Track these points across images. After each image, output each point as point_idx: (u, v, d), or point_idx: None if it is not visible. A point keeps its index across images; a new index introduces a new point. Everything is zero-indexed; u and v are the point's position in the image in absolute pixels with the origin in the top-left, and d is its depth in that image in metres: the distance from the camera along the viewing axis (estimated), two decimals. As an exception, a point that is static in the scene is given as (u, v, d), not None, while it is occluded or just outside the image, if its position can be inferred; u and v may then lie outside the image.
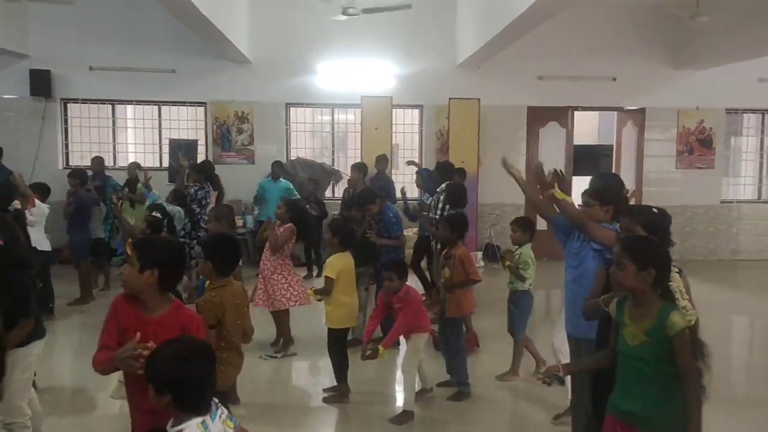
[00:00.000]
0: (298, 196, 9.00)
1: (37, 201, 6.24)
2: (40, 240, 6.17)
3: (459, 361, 4.75)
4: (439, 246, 6.33)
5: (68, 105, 10.27)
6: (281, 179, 9.32)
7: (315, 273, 9.13)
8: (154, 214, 6.01)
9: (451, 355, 4.80)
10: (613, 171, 10.89)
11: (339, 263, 4.67)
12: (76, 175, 7.60)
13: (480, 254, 10.21)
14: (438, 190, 6.81)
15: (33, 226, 5.92)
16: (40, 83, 9.73)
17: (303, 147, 11.07)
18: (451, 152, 9.89)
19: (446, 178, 6.87)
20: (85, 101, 10.24)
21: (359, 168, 8.27)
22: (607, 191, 3.51)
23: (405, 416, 4.37)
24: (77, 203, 7.38)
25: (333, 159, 11.18)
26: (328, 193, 10.70)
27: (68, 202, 7.43)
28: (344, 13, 7.87)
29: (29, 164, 9.67)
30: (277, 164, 9.41)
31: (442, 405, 4.67)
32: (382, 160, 9.03)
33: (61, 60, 9.83)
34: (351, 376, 4.76)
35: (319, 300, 4.69)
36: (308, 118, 11.21)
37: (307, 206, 8.83)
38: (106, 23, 9.84)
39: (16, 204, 5.50)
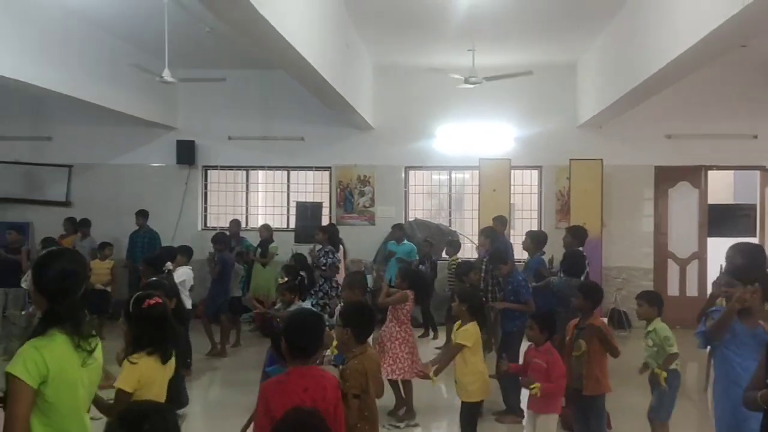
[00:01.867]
0: (417, 258, 9.13)
1: (183, 267, 6.84)
2: (184, 299, 6.69)
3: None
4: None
5: (208, 171, 11.23)
6: (405, 241, 9.48)
7: (431, 335, 9.11)
8: (284, 278, 6.34)
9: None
10: (757, 231, 10.09)
11: (474, 332, 4.57)
12: (220, 239, 8.20)
13: (605, 321, 9.68)
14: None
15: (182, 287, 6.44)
16: (185, 152, 10.74)
17: (421, 209, 11.27)
18: (572, 213, 9.66)
19: (577, 244, 6.66)
20: (222, 167, 11.15)
21: (486, 233, 8.07)
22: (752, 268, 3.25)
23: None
24: (222, 265, 7.95)
25: (450, 220, 11.27)
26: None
27: (214, 264, 7.99)
28: (467, 81, 8.08)
29: (172, 226, 10.59)
30: (397, 227, 9.62)
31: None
32: (500, 222, 8.95)
33: (204, 131, 10.83)
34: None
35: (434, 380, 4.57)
36: (426, 180, 11.45)
37: (421, 266, 8.96)
38: (245, 98, 10.75)
39: (169, 265, 6.04)
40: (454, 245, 9.48)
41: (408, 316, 5.77)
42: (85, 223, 9.83)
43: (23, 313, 7.53)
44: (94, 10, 7.67)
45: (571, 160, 9.89)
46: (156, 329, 3.04)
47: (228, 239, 8.49)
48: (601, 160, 9.84)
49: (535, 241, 6.84)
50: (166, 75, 7.34)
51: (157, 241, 9.83)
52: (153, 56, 8.28)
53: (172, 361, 3.11)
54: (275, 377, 2.79)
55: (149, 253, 8.50)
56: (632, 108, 8.87)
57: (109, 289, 8.69)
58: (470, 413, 4.56)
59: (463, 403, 4.55)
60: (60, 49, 7.45)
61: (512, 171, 10.29)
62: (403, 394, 5.76)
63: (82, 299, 2.42)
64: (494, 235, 7.73)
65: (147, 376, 2.95)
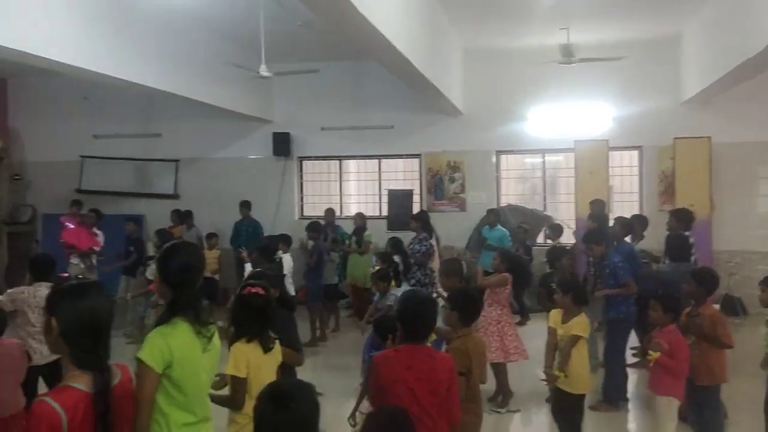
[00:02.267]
0: (510, 243, 8.99)
1: (285, 255, 7.13)
2: (288, 287, 6.99)
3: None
4: None
5: (303, 162, 11.57)
6: (498, 226, 9.34)
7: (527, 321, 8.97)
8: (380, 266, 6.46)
9: (704, 429, 4.33)
10: None
11: (586, 322, 4.43)
12: (315, 228, 8.44)
13: (717, 307, 9.14)
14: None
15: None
16: (281, 144, 11.13)
17: (513, 193, 11.08)
18: (677, 195, 9.17)
19: (683, 228, 6.33)
20: (317, 158, 11.46)
21: (593, 218, 7.72)
22: None
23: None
24: (318, 254, 8.20)
25: (544, 204, 11.01)
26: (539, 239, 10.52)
27: (311, 253, 8.25)
28: (561, 62, 7.84)
29: (271, 216, 11.03)
30: (492, 212, 9.48)
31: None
32: (598, 206, 8.62)
33: (299, 123, 11.16)
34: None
35: (563, 375, 4.31)
36: (518, 164, 11.23)
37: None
38: (336, 89, 10.96)
39: (281, 254, 6.32)
40: (556, 229, 9.21)
41: (507, 299, 5.75)
42: (189, 215, 10.40)
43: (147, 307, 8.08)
44: (196, 10, 8.07)
45: (675, 138, 9.37)
46: (255, 318, 3.16)
47: (322, 228, 8.72)
48: (709, 137, 9.25)
49: (625, 226, 6.55)
50: (263, 70, 7.62)
51: (259, 231, 10.27)
52: (248, 52, 8.62)
53: (278, 349, 3.25)
54: (387, 351, 2.87)
55: (255, 242, 8.89)
56: (744, 82, 8.26)
57: (216, 277, 9.15)
58: (572, 405, 4.39)
59: (567, 394, 4.35)
60: (167, 50, 7.87)
61: (610, 152, 9.88)
62: (496, 378, 5.73)
63: (199, 289, 2.58)
64: (602, 219, 7.40)
65: (254, 362, 3.09)
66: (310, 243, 8.33)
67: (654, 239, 7.27)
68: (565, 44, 8.30)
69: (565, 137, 10.12)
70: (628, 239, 6.64)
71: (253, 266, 6.22)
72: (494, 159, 10.86)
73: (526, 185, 11.44)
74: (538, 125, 10.47)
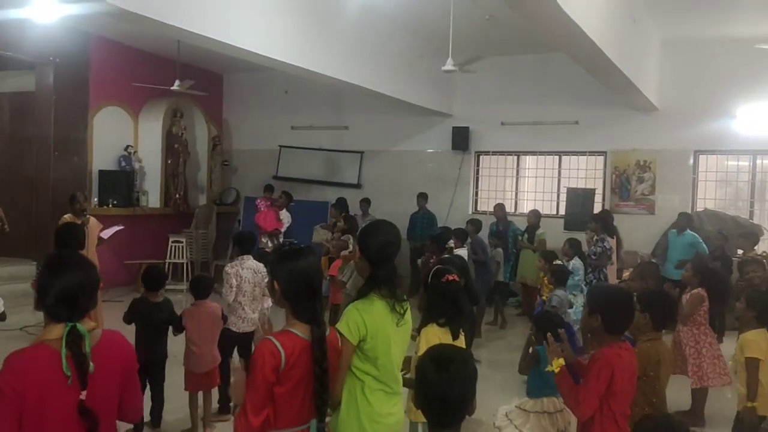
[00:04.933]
0: (706, 250, 8.15)
1: (462, 250, 7.20)
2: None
3: None
4: None
5: (480, 157, 11.56)
6: (687, 232, 8.54)
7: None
8: (555, 262, 6.28)
9: None
10: None
11: (763, 341, 3.97)
12: (472, 222, 8.45)
13: None
14: None
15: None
16: (460, 138, 11.21)
17: (712, 198, 10.03)
18: None
19: None
20: (494, 153, 11.38)
21: None
22: None
23: None
24: (475, 249, 8.14)
25: (750, 212, 9.81)
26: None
27: (473, 249, 8.24)
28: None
29: (445, 208, 11.19)
30: (684, 216, 8.68)
31: None
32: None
33: (478, 117, 11.15)
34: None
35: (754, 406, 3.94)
36: (720, 166, 10.13)
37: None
38: (519, 83, 10.77)
39: (451, 243, 6.43)
40: (750, 237, 8.14)
41: (705, 317, 5.22)
42: (366, 202, 10.86)
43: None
44: (389, 7, 8.40)
45: None
46: (449, 304, 3.25)
47: (479, 223, 8.58)
48: None
49: None
50: (448, 65, 7.73)
51: (434, 223, 10.48)
52: (432, 45, 8.80)
53: (461, 338, 3.31)
54: (610, 349, 2.81)
55: (429, 234, 9.08)
56: None
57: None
58: (747, 426, 3.96)
59: (740, 413, 4.00)
60: (360, 45, 8.30)
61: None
62: (692, 400, 5.27)
63: (395, 269, 2.72)
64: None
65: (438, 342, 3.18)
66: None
67: None
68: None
69: (781, 137, 8.93)
70: None
71: (427, 253, 6.40)
72: (692, 159, 9.91)
73: (729, 189, 10.27)
74: (747, 123, 9.33)
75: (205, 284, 4.94)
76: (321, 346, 2.25)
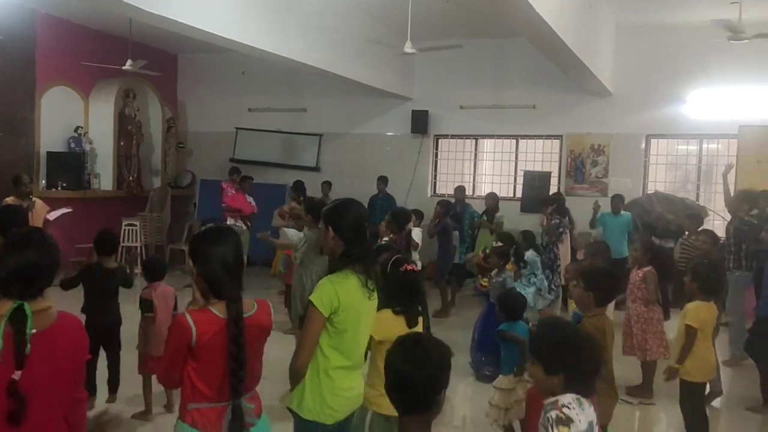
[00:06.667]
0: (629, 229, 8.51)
1: (415, 229, 7.26)
2: (416, 260, 7.11)
3: None
4: None
5: (439, 140, 11.61)
6: (622, 212, 8.85)
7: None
8: (499, 244, 6.39)
9: None
10: None
11: (702, 312, 4.21)
12: (444, 205, 8.54)
13: None
14: None
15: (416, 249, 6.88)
16: (419, 122, 11.24)
17: (662, 181, 10.34)
18: None
19: None
20: (453, 136, 11.45)
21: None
22: None
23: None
24: (444, 230, 8.27)
25: (697, 194, 10.16)
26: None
27: (439, 229, 8.37)
28: (732, 38, 7.13)
29: (405, 191, 11.23)
30: (617, 197, 8.97)
31: None
32: (766, 199, 7.79)
33: (437, 101, 11.18)
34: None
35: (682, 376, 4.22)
36: (670, 150, 10.44)
37: (660, 242, 8.26)
38: (478, 67, 10.81)
39: (410, 226, 6.47)
40: (696, 219, 8.45)
41: (654, 295, 5.43)
42: (327, 184, 10.88)
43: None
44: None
45: None
46: (407, 294, 3.27)
47: (451, 206, 8.76)
48: None
49: None
50: (408, 47, 7.71)
51: (394, 205, 10.47)
52: (391, 29, 8.76)
53: (419, 325, 3.33)
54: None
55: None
56: None
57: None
58: (688, 393, 4.22)
59: (681, 381, 4.22)
60: (318, 27, 8.18)
61: (781, 140, 8.88)
62: (643, 374, 5.51)
63: (369, 246, 2.75)
64: (754, 201, 6.75)
65: (389, 329, 3.14)
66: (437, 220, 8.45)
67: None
68: (734, 19, 7.50)
69: (728, 121, 9.24)
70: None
71: (382, 230, 6.44)
72: (643, 143, 10.19)
73: (678, 173, 10.62)
74: (697, 108, 9.63)
75: (159, 266, 4.88)
76: (237, 324, 2.22)
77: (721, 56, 8.94)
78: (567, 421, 2.10)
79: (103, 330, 4.47)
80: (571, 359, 2.17)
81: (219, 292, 2.27)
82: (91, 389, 4.51)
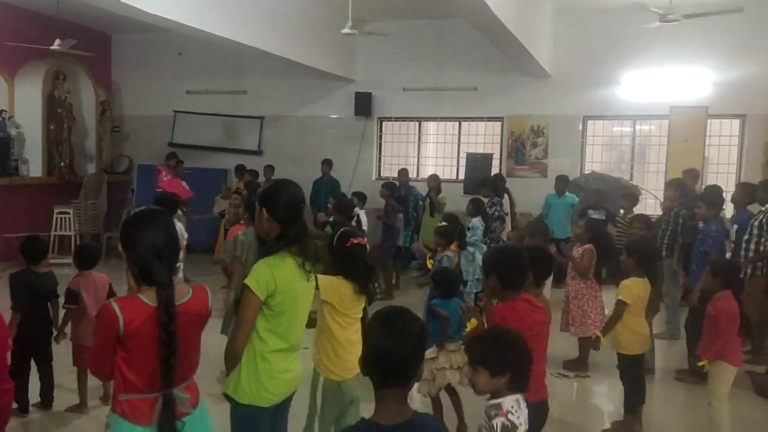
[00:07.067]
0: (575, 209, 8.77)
1: (361, 212, 7.26)
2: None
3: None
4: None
5: (383, 122, 11.60)
6: (567, 194, 9.09)
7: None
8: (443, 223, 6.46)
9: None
10: None
11: (636, 288, 4.40)
12: (389, 187, 8.56)
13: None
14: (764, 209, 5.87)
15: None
16: (363, 104, 11.18)
17: (599, 161, 10.67)
18: (781, 168, 8.51)
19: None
20: (396, 119, 11.45)
21: (674, 185, 7.40)
22: None
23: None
24: (391, 212, 8.31)
25: (631, 173, 10.53)
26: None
27: (385, 212, 8.40)
28: (662, 20, 7.35)
29: (349, 174, 11.18)
30: (561, 179, 9.20)
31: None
32: (692, 176, 8.15)
33: (380, 83, 11.14)
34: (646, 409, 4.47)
35: (603, 344, 4.42)
36: (606, 130, 10.77)
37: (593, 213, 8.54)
38: (420, 48, 10.81)
39: (357, 210, 6.45)
40: (630, 198, 8.76)
41: (585, 269, 5.60)
42: (270, 168, 10.69)
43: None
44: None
45: (783, 107, 8.66)
46: (356, 268, 3.23)
47: (395, 187, 8.79)
48: (824, 106, 8.49)
49: (749, 193, 6.17)
50: (348, 28, 7.64)
51: (338, 189, 10.45)
52: (333, 9, 8.63)
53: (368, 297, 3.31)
54: (504, 304, 2.95)
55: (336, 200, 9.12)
56: None
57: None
58: (627, 365, 4.42)
59: (618, 354, 4.44)
60: (258, 7, 7.98)
61: (709, 120, 9.27)
62: (579, 349, 5.69)
63: (305, 227, 2.69)
64: (684, 187, 7.06)
65: (337, 289, 3.18)
66: (382, 218, 8.49)
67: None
68: (664, 1, 7.74)
69: (659, 103, 9.58)
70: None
71: (332, 220, 6.40)
72: (581, 125, 10.46)
73: (613, 153, 10.97)
74: (630, 90, 9.94)
75: (90, 253, 4.70)
76: (168, 310, 2.14)
77: (652, 39, 9.24)
78: (512, 428, 2.19)
79: (34, 340, 4.24)
80: (514, 357, 2.26)
81: (149, 277, 2.18)
82: (23, 406, 4.34)
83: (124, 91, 12.53)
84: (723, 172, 9.74)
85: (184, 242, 5.37)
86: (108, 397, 4.55)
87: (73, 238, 10.17)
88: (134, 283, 2.23)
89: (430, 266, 6.61)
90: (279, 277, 2.55)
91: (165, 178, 9.52)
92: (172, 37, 9.76)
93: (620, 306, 4.36)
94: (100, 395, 4.66)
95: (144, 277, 2.20)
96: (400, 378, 1.82)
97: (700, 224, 5.98)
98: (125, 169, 12.16)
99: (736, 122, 9.73)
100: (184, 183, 9.64)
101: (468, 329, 3.20)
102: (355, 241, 3.26)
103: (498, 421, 2.18)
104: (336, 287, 3.17)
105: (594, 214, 8.49)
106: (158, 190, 9.17)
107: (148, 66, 12.10)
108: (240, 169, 10.75)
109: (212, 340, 2.54)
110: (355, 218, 7.07)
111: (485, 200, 7.85)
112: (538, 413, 2.82)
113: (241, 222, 6.81)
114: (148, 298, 2.17)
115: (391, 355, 1.79)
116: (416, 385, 4.01)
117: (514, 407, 2.23)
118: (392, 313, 1.89)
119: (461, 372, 4.06)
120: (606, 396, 5.28)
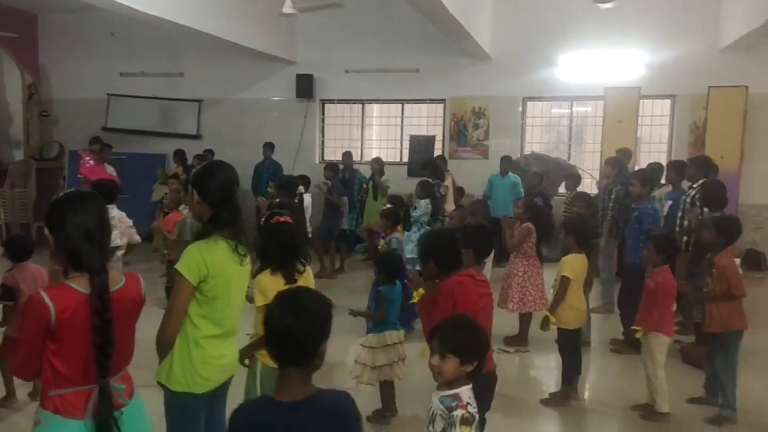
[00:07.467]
0: (522, 192, 8.90)
1: (306, 195, 7.21)
2: (304, 225, 7.06)
3: (726, 380, 4.24)
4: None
5: (326, 105, 11.48)
6: (510, 174, 9.27)
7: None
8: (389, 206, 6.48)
9: (716, 372, 4.32)
10: None
11: (577, 264, 4.55)
12: (331, 168, 8.54)
13: (739, 261, 8.99)
14: (695, 186, 6.14)
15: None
16: (304, 86, 11.02)
17: (538, 141, 10.89)
18: (707, 146, 8.89)
19: (702, 176, 6.18)
20: (339, 101, 11.35)
21: (612, 163, 7.61)
22: None
23: (659, 417, 4.24)
24: (334, 192, 8.28)
25: (569, 154, 10.81)
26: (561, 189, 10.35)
27: (329, 192, 8.37)
28: (597, 1, 7.52)
29: (292, 158, 11.04)
30: (505, 159, 9.37)
31: (696, 427, 4.28)
32: (625, 155, 8.41)
33: (322, 65, 10.99)
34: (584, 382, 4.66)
35: (554, 323, 4.52)
36: (545, 112, 10.99)
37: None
38: (362, 30, 10.69)
39: (301, 189, 6.39)
40: (573, 179, 9.03)
41: (533, 249, 5.73)
42: (210, 152, 10.36)
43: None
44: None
45: (710, 87, 9.02)
46: (282, 247, 3.14)
47: (338, 169, 8.73)
48: (746, 87, 8.88)
49: (680, 170, 6.42)
50: (287, 7, 7.48)
51: (280, 173, 10.26)
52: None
53: (305, 281, 3.22)
54: (451, 279, 3.02)
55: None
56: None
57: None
58: (565, 339, 4.58)
59: (558, 329, 4.58)
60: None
61: (641, 101, 9.59)
62: (520, 325, 5.84)
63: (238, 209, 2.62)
64: (621, 165, 7.28)
65: (267, 294, 3.05)
66: (327, 183, 8.42)
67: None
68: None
69: (595, 84, 9.81)
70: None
71: (273, 200, 6.30)
72: (521, 106, 10.64)
73: (552, 134, 11.22)
74: (567, 72, 10.15)
75: (24, 245, 4.47)
76: (102, 296, 2.05)
77: (589, 21, 9.47)
78: (471, 420, 2.22)
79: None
80: (483, 346, 2.36)
81: (79, 262, 2.07)
82: None
83: (54, 74, 11.94)
84: (655, 151, 10.10)
85: (134, 231, 5.16)
86: (37, 392, 4.37)
87: None
88: (60, 268, 2.12)
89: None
90: (211, 261, 2.49)
91: (87, 164, 9.07)
92: (105, 16, 9.36)
93: (565, 282, 4.47)
94: (28, 391, 4.46)
95: (73, 262, 2.09)
96: (302, 356, 1.82)
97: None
98: (56, 156, 11.62)
99: (667, 102, 10.10)
100: (111, 168, 9.24)
101: (415, 298, 3.21)
102: (282, 219, 3.19)
103: (458, 413, 2.21)
104: (266, 290, 3.02)
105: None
106: (80, 176, 8.79)
107: (79, 47, 11.56)
108: (179, 155, 10.44)
109: (146, 328, 2.44)
110: (298, 197, 7.00)
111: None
112: (488, 383, 2.89)
113: (181, 207, 6.68)
114: (79, 284, 2.06)
115: (293, 333, 1.79)
116: (357, 372, 4.09)
117: (471, 398, 2.27)
118: (294, 293, 1.89)
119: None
120: (545, 369, 5.44)
